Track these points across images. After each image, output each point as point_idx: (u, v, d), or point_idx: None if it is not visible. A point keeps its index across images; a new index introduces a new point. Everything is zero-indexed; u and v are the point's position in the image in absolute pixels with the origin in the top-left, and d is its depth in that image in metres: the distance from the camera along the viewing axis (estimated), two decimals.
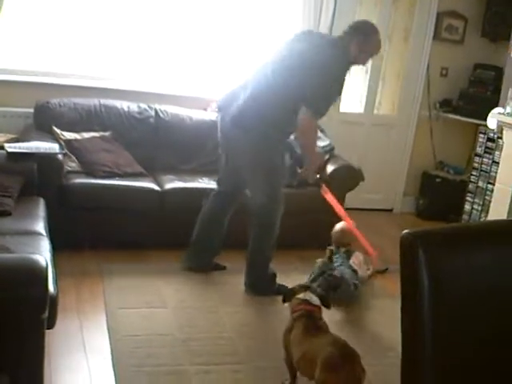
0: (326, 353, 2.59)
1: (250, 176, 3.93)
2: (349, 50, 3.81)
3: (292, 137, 4.17)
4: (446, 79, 6.32)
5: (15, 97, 4.83)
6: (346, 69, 3.84)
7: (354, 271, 4.09)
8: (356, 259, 4.18)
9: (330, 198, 4.22)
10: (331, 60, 3.74)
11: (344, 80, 3.81)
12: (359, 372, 2.56)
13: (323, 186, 4.21)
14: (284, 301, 3.06)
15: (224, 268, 4.28)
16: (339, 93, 3.89)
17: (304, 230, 4.74)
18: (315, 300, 2.96)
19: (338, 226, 4.36)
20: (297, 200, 4.75)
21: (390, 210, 6.44)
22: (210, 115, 5.24)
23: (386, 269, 4.35)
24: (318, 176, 4.21)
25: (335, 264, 4.06)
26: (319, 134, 5.16)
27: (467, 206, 6.04)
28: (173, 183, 4.58)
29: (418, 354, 1.55)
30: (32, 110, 4.66)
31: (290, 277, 4.02)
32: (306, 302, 2.94)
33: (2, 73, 4.89)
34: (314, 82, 3.65)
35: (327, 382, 2.55)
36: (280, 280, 4.03)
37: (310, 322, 2.87)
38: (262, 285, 3.98)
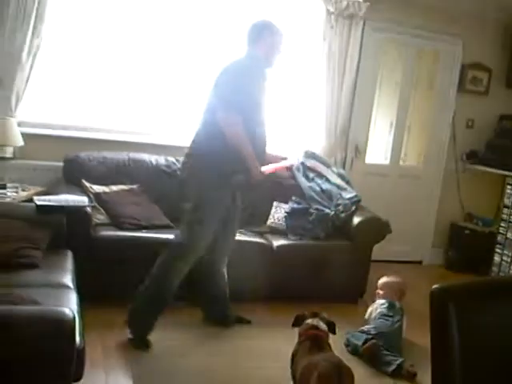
0: (321, 366, 2.71)
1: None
2: (257, 55, 3.84)
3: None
4: (471, 131, 6.32)
5: (45, 150, 4.92)
6: (258, 69, 3.82)
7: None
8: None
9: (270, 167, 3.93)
10: (239, 63, 3.80)
11: (258, 79, 3.79)
12: None
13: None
14: (293, 325, 3.22)
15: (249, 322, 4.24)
16: (253, 90, 3.73)
17: (334, 282, 4.67)
18: (323, 326, 3.12)
19: (391, 276, 4.31)
20: (322, 252, 4.74)
21: (419, 262, 6.38)
22: None
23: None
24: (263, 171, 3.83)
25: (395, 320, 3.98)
26: (345, 185, 5.19)
27: (496, 258, 5.95)
28: None
29: None
30: (61, 164, 4.74)
31: None
32: (314, 327, 3.09)
33: (32, 126, 5.01)
34: (222, 83, 3.72)
35: None
36: None
37: (315, 344, 3.01)
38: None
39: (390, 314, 3.99)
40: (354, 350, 3.86)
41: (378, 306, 4.09)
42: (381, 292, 4.22)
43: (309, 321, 3.14)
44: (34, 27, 4.68)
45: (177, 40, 5.30)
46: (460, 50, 6.08)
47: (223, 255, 4.10)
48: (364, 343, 3.80)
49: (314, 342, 3.02)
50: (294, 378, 3.00)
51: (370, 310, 4.14)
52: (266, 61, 3.86)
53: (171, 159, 5.02)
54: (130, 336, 3.75)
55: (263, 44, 3.82)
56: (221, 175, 3.71)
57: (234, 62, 3.79)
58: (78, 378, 2.52)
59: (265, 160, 3.88)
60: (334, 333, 3.17)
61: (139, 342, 3.70)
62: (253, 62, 3.81)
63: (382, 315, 3.99)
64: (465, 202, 6.39)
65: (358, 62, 5.68)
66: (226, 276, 4.16)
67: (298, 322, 3.20)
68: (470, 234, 6.17)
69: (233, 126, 3.64)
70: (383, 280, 4.27)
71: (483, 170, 6.20)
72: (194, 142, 3.87)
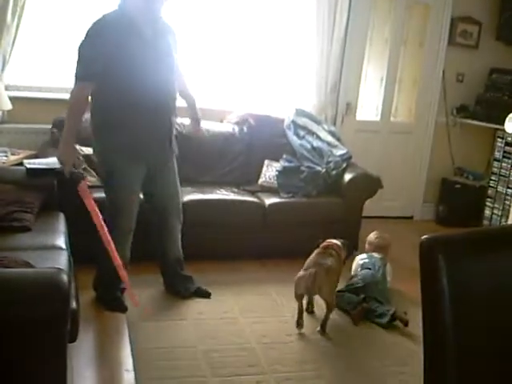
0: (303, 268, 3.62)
1: None
2: (125, 7, 3.39)
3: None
4: (462, 85, 6.29)
5: (33, 113, 4.88)
6: (113, 23, 3.33)
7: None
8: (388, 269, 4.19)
9: (88, 201, 3.40)
10: (95, 23, 3.34)
11: (114, 37, 3.29)
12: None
13: (83, 181, 3.43)
14: (317, 246, 3.85)
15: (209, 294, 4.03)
16: (103, 50, 3.29)
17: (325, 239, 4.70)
18: (337, 242, 3.90)
19: (375, 232, 4.40)
20: (314, 210, 4.76)
21: (410, 218, 6.42)
22: (227, 127, 5.27)
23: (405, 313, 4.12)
24: (74, 169, 3.45)
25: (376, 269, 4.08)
26: (336, 142, 5.19)
27: (487, 212, 6.00)
28: (191, 195, 4.59)
29: (439, 361, 1.53)
30: (50, 126, 4.71)
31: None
32: (330, 242, 3.87)
33: (20, 90, 4.97)
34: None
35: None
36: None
37: (323, 251, 3.79)
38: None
39: (369, 265, 4.10)
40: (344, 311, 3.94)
41: (358, 260, 4.22)
42: (367, 247, 4.36)
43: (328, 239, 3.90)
44: None
45: None
46: (450, 3, 6.00)
47: (170, 210, 3.85)
48: (353, 309, 3.88)
49: (323, 248, 3.80)
50: None
51: (353, 266, 4.25)
52: (146, 9, 3.38)
53: None
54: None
55: None
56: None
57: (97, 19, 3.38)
58: (73, 340, 2.55)
59: (148, 116, 3.48)
60: (349, 253, 4.02)
61: (112, 303, 3.67)
62: (109, 19, 3.35)
63: (364, 268, 4.10)
64: (455, 156, 6.40)
65: (348, 16, 5.60)
66: (180, 245, 3.98)
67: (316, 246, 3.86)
68: (460, 188, 6.19)
69: (71, 95, 3.39)
70: (369, 237, 4.40)
71: (474, 124, 6.19)
72: None
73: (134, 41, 3.37)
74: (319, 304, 3.82)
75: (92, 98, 3.47)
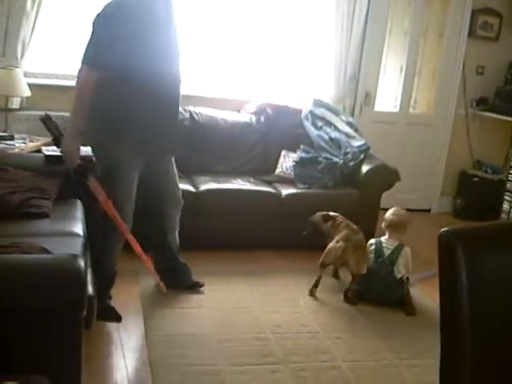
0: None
1: None
2: None
3: None
4: (481, 77, 6.23)
5: (52, 100, 4.89)
6: (126, 6, 3.14)
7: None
8: (406, 255, 4.02)
9: (101, 195, 3.29)
10: (104, 7, 3.15)
11: (128, 20, 3.11)
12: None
13: (91, 176, 3.29)
14: (326, 221, 4.26)
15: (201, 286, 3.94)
16: (115, 35, 3.09)
17: None
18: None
19: (392, 209, 4.24)
20: (330, 201, 4.75)
21: (428, 210, 6.38)
22: (244, 116, 5.27)
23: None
24: (79, 162, 3.28)
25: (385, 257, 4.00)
26: (354, 133, 5.16)
27: (505, 205, 5.94)
28: (207, 184, 4.60)
29: (456, 353, 1.53)
30: (69, 114, 4.71)
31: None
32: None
33: (40, 77, 5.00)
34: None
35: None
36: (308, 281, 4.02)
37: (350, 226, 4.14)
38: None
39: (376, 256, 4.00)
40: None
41: (367, 247, 4.09)
42: (383, 225, 4.19)
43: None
44: None
45: None
46: None
47: (166, 199, 3.68)
48: (345, 293, 4.00)
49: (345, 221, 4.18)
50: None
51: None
52: None
53: None
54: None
55: None
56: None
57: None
58: (89, 326, 2.56)
59: (159, 105, 3.32)
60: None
61: (106, 313, 3.40)
62: (122, 1, 3.17)
63: (370, 263, 4.03)
64: (474, 149, 6.35)
65: (368, 7, 5.57)
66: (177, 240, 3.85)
67: (327, 218, 4.24)
68: (478, 181, 6.14)
69: (79, 80, 3.13)
70: (386, 214, 4.22)
71: (493, 117, 6.13)
72: None
73: (152, 24, 3.21)
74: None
75: (97, 86, 3.16)
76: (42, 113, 4.79)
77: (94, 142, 3.40)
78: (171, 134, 3.51)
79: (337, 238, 4.01)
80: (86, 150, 3.51)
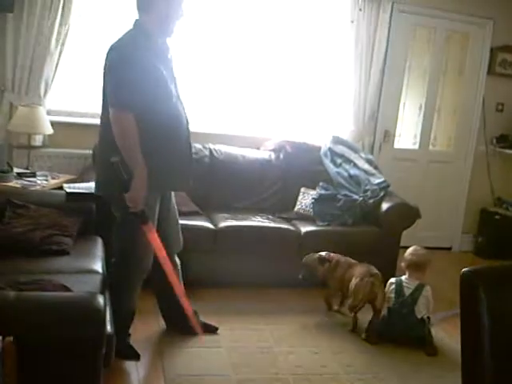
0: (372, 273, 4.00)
1: None
2: (147, 29, 3.17)
3: None
4: (501, 114, 6.23)
5: (74, 138, 4.97)
6: (143, 46, 3.13)
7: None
8: (427, 294, 3.96)
9: (154, 239, 3.22)
10: (122, 46, 3.13)
11: (148, 60, 3.11)
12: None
13: (149, 223, 3.19)
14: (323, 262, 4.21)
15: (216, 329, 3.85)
16: (145, 76, 3.08)
17: None
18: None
19: (411, 248, 4.18)
20: (350, 239, 4.73)
21: (449, 249, 6.32)
22: (263, 154, 5.29)
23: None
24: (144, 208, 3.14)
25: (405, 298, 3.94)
26: (373, 170, 5.15)
27: None
28: (226, 221, 4.60)
29: None
30: (91, 152, 4.77)
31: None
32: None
33: (61, 115, 5.07)
34: (110, 79, 3.11)
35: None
36: (335, 320, 3.97)
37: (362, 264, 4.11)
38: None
39: (397, 295, 3.94)
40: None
41: (388, 286, 4.04)
42: (402, 265, 4.14)
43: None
44: (62, 15, 4.72)
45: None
46: (490, 32, 5.97)
47: (173, 245, 3.57)
48: (366, 331, 3.96)
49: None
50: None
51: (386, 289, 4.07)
52: (162, 31, 3.22)
53: (198, 146, 5.01)
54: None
55: (156, 12, 3.16)
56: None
57: (118, 42, 3.17)
58: (107, 364, 2.55)
59: (185, 138, 3.36)
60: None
61: (125, 351, 3.38)
62: (132, 41, 3.14)
63: (391, 303, 3.96)
64: (495, 186, 6.31)
65: (387, 45, 5.62)
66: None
67: (323, 261, 4.19)
68: (500, 219, 6.09)
69: (120, 126, 3.06)
70: (405, 253, 4.16)
71: None
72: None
73: (162, 63, 3.22)
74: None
75: None
76: (65, 150, 4.91)
77: (115, 184, 3.16)
78: (190, 170, 3.50)
79: (356, 274, 3.97)
80: (88, 187, 3.56)
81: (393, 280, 4.05)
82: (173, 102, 3.26)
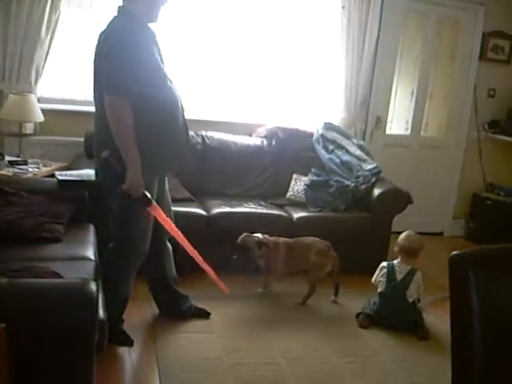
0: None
1: None
2: (136, 14, 3.16)
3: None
4: (493, 100, 6.24)
5: (66, 126, 4.96)
6: (136, 32, 3.12)
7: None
8: (418, 279, 4.00)
9: (160, 215, 3.31)
10: (114, 32, 3.12)
11: (137, 44, 3.09)
12: None
13: (152, 203, 3.22)
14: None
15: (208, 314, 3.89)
16: (138, 61, 3.07)
17: (354, 254, 4.64)
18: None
19: (405, 232, 4.20)
20: (342, 224, 4.75)
21: (440, 234, 6.35)
22: (255, 140, 5.30)
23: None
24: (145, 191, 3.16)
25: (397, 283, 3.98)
26: (365, 156, 5.16)
27: None
28: (219, 208, 4.61)
29: (467, 374, 1.51)
30: (82, 139, 4.76)
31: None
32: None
33: (52, 102, 5.05)
34: (106, 65, 3.05)
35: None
36: (327, 305, 4.00)
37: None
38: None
39: (388, 280, 3.98)
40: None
41: (379, 270, 4.08)
42: (396, 249, 4.15)
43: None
44: (52, 2, 4.69)
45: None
46: (482, 17, 5.97)
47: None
48: (357, 315, 4.03)
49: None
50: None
51: (376, 273, 4.11)
52: (147, 17, 3.21)
53: (190, 133, 4.98)
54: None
55: (142, 2, 3.17)
56: None
57: (111, 28, 3.16)
58: (100, 350, 2.56)
59: (182, 122, 3.35)
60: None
61: (118, 337, 3.40)
62: (127, 26, 3.12)
63: (383, 287, 4.00)
64: (487, 172, 6.34)
65: (378, 31, 5.61)
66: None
67: (261, 244, 4.17)
68: (491, 204, 6.12)
69: (116, 113, 3.04)
70: (399, 238, 4.18)
71: (505, 140, 6.12)
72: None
73: (153, 47, 3.22)
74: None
75: None
76: (57, 138, 4.89)
77: (113, 170, 3.16)
78: (185, 152, 3.54)
79: (314, 251, 4.20)
80: (80, 174, 3.56)
81: (384, 264, 4.08)
82: (168, 85, 3.26)
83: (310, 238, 4.31)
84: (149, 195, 3.16)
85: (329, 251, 4.23)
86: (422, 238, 4.23)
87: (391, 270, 4.00)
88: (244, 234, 4.19)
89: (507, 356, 1.52)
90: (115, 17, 3.21)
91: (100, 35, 3.16)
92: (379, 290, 3.99)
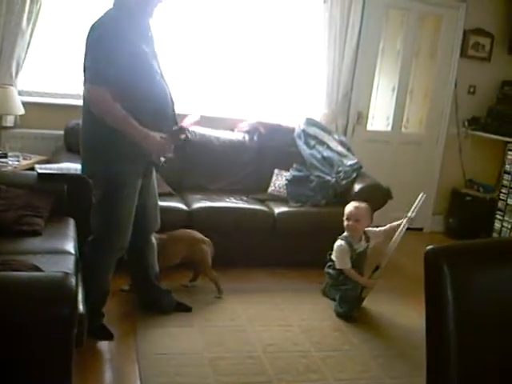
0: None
1: None
2: (128, 7, 3.17)
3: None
4: (473, 97, 6.29)
5: (46, 119, 4.93)
6: (126, 25, 3.13)
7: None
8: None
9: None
10: (103, 23, 3.12)
11: (128, 37, 3.11)
12: None
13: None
14: None
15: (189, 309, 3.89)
16: (123, 53, 3.08)
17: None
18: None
19: (352, 202, 4.30)
20: (323, 219, 4.76)
21: (420, 229, 6.40)
22: (237, 135, 5.30)
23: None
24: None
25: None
26: (346, 152, 5.19)
27: (497, 224, 5.97)
28: (200, 203, 4.61)
29: (442, 368, 1.53)
30: (62, 132, 4.74)
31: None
32: None
33: (32, 95, 5.02)
34: (87, 56, 3.11)
35: None
36: (307, 300, 4.02)
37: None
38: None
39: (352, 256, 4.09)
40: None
41: (338, 249, 4.13)
42: (346, 222, 4.20)
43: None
44: None
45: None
46: (463, 14, 6.02)
47: (151, 224, 3.69)
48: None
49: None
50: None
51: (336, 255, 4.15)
52: (141, 11, 3.21)
53: None
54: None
55: None
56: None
57: (100, 20, 3.15)
58: (80, 344, 2.56)
59: (171, 117, 3.38)
60: None
61: (98, 331, 3.41)
62: (114, 19, 3.13)
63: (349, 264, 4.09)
64: (466, 168, 6.39)
65: (360, 26, 5.63)
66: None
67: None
68: (470, 200, 6.18)
69: (99, 101, 3.08)
70: (347, 209, 4.24)
71: (485, 137, 6.18)
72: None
73: (144, 41, 3.24)
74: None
75: None
76: (37, 131, 4.86)
77: (97, 160, 3.27)
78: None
79: (192, 242, 4.08)
80: (74, 168, 3.55)
81: (340, 242, 4.13)
82: (156, 79, 3.27)
83: (182, 231, 4.18)
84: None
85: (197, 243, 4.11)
86: (368, 208, 4.30)
87: (350, 245, 4.10)
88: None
89: (481, 346, 1.54)
90: (109, 9, 3.22)
91: (90, 28, 3.15)
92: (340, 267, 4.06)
